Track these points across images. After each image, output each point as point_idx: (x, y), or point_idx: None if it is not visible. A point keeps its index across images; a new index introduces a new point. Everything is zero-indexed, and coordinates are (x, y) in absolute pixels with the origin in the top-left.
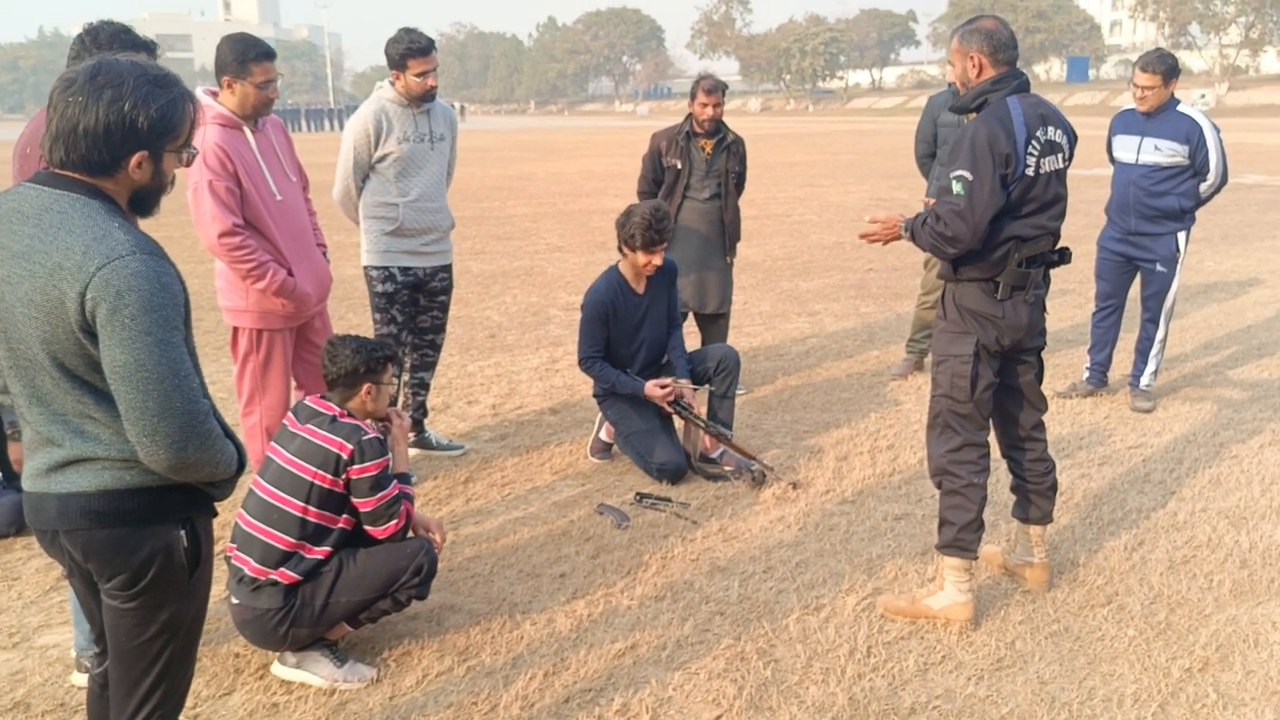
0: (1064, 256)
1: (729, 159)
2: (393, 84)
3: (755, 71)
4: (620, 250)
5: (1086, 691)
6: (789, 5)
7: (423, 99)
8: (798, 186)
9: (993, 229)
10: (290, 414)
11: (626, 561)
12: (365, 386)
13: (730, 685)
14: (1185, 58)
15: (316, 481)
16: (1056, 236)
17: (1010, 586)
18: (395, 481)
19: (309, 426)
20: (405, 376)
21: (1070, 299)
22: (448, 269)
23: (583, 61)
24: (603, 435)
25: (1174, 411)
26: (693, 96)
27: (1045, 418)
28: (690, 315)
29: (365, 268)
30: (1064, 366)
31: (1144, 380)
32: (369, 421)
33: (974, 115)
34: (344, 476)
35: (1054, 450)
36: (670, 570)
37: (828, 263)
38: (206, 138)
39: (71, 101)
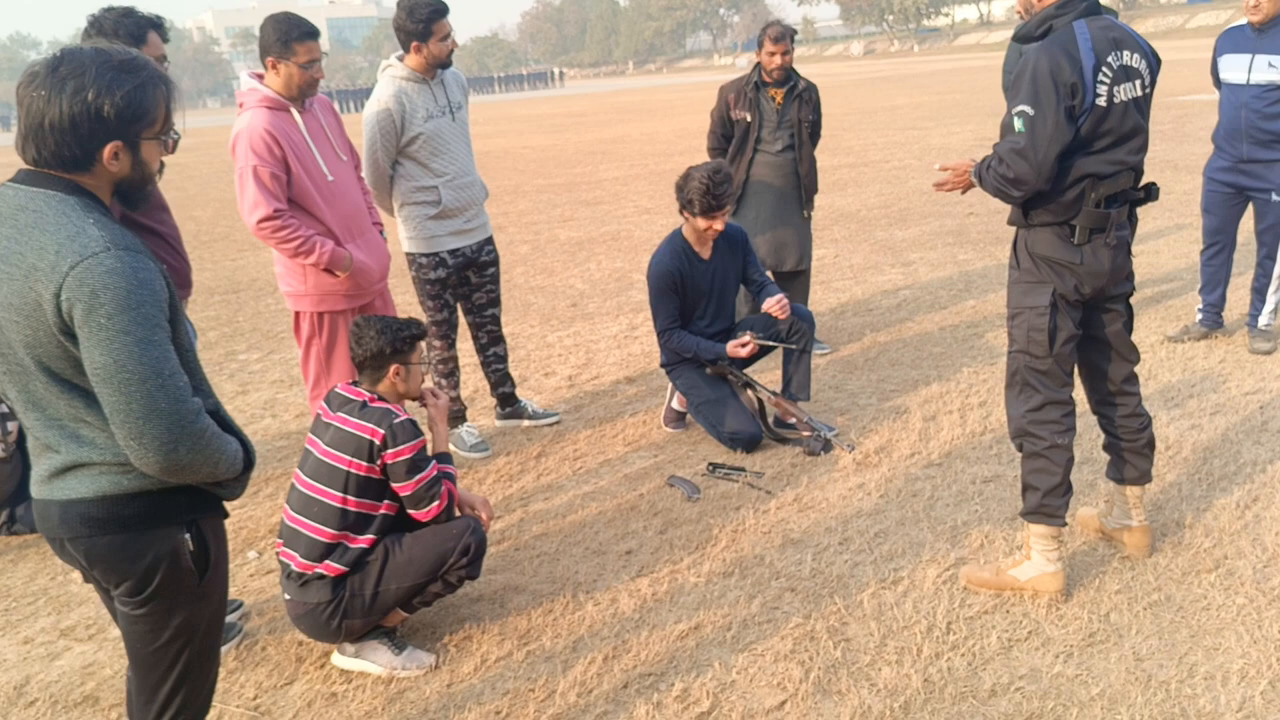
0: (1149, 193)
1: (801, 108)
2: (401, 60)
3: (856, 14)
4: (681, 213)
5: (1187, 668)
6: None
7: (443, 65)
8: (898, 130)
9: (1064, 167)
10: (323, 403)
11: (695, 536)
12: (393, 367)
13: (797, 668)
14: None
15: (353, 470)
16: (1139, 172)
17: (1107, 552)
18: (434, 462)
19: (340, 415)
20: (477, 357)
21: (1185, 234)
22: (490, 240)
23: (679, 17)
24: (675, 404)
25: None
26: (759, 45)
27: (1155, 364)
28: (769, 274)
29: (411, 255)
30: (1176, 308)
31: (1263, 320)
32: (403, 404)
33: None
34: (379, 462)
35: (1163, 399)
36: (740, 544)
37: (926, 209)
38: (254, 122)
39: (35, 96)
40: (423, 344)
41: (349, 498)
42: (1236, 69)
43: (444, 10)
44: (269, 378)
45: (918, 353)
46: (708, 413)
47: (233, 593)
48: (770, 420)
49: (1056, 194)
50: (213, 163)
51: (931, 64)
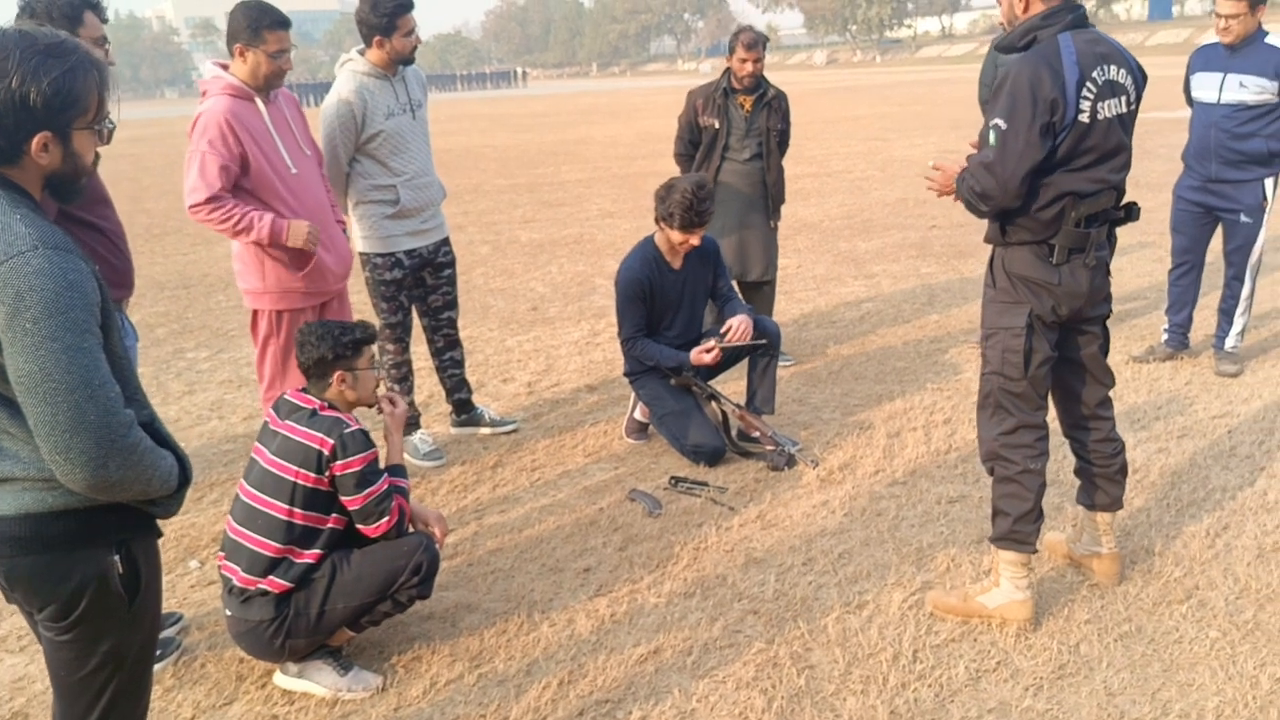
0: (1130, 213)
1: (770, 116)
2: (362, 54)
3: (820, 23)
4: (657, 223)
5: (1161, 705)
6: None
7: (406, 61)
8: (861, 141)
9: (1044, 184)
10: (271, 410)
11: (656, 554)
12: (337, 374)
13: (760, 696)
14: None
15: (299, 481)
16: (1121, 191)
17: (1076, 579)
18: (386, 475)
19: (289, 423)
20: (432, 361)
21: (1149, 253)
22: (447, 241)
23: (644, 21)
24: (637, 415)
25: (1263, 375)
26: (731, 51)
27: (1120, 385)
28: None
29: (365, 255)
30: (1141, 328)
31: (1229, 342)
32: (354, 414)
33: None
34: (328, 473)
35: (1129, 421)
36: (702, 563)
37: (889, 221)
38: (215, 107)
39: None
40: (371, 348)
41: (295, 510)
42: (1208, 87)
43: (409, 5)
44: (217, 377)
45: (881, 367)
46: (671, 424)
47: (172, 604)
48: (734, 433)
49: (1036, 212)
50: (168, 154)
51: (893, 75)
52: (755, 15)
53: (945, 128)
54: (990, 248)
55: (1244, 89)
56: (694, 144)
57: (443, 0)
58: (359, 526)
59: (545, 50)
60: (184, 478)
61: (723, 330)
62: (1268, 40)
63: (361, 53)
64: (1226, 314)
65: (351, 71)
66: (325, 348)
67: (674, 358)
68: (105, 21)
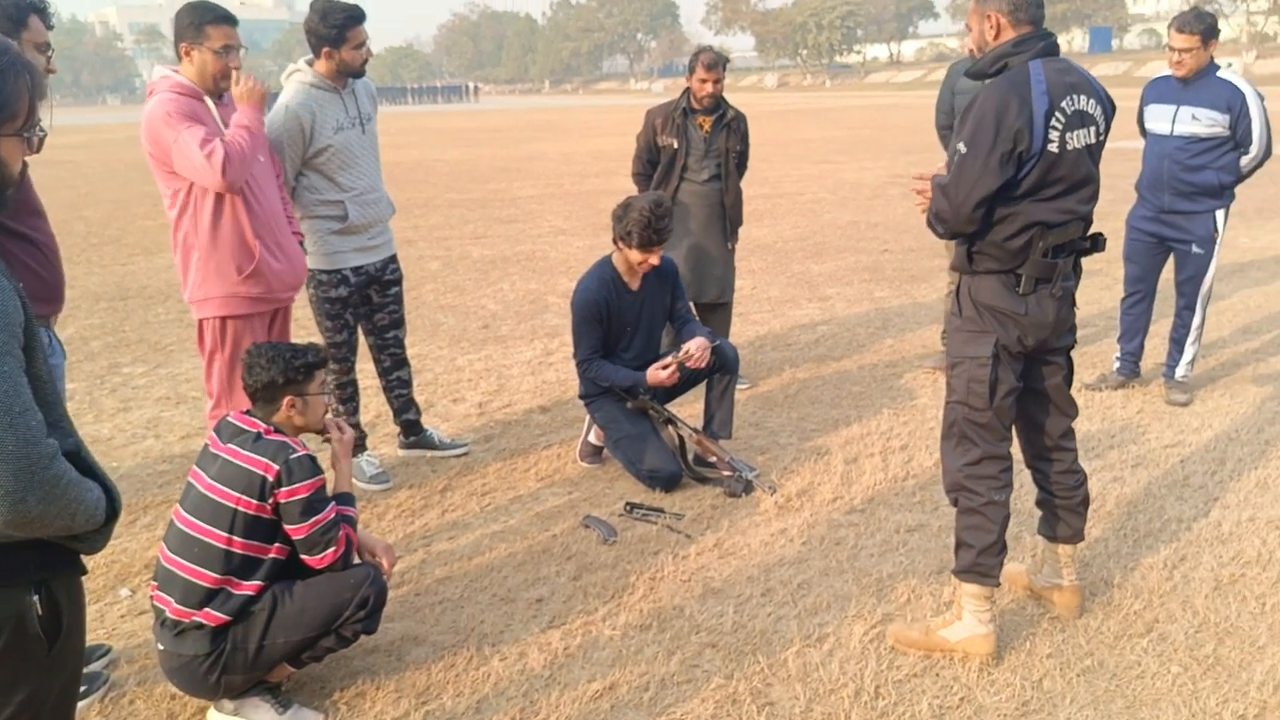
0: (1096, 243)
1: (729, 137)
2: (310, 65)
3: (771, 47)
4: (615, 243)
5: None
6: None
7: (355, 74)
8: (812, 164)
9: (1012, 214)
10: (213, 432)
11: (611, 584)
12: (287, 399)
13: None
14: None
15: (241, 508)
16: (1088, 222)
17: (1037, 612)
18: (333, 503)
19: (231, 446)
20: (381, 383)
21: (1099, 280)
22: (395, 259)
23: (597, 40)
24: (592, 438)
25: (1213, 405)
26: (691, 71)
27: (1077, 407)
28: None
29: (311, 272)
30: (1092, 355)
31: (1180, 371)
32: (301, 438)
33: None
34: (271, 500)
35: (1084, 449)
36: (659, 594)
37: (841, 244)
38: (165, 98)
39: None
40: (322, 373)
41: (235, 538)
42: (1161, 119)
43: (360, 17)
44: (154, 394)
45: (837, 391)
46: (626, 448)
47: (101, 635)
48: (690, 458)
49: (1004, 241)
50: (108, 161)
51: (843, 99)
52: (708, 37)
53: (895, 152)
54: (955, 275)
55: (1196, 121)
56: (652, 163)
57: (394, 13)
58: (303, 557)
59: (497, 65)
60: (112, 510)
61: (680, 352)
62: (1219, 74)
63: (310, 64)
64: (1177, 343)
65: (299, 83)
66: (276, 371)
67: (630, 377)
68: (50, 28)
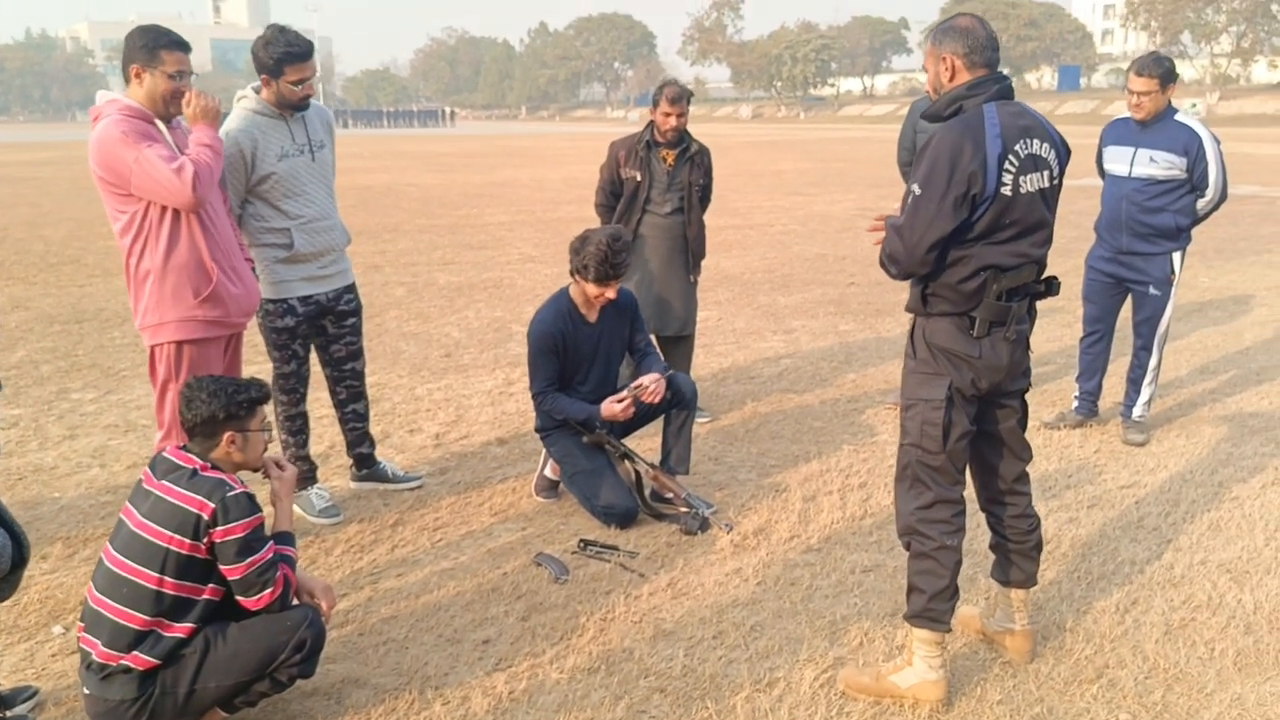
0: (1051, 287)
1: (692, 171)
2: (258, 91)
3: (746, 78)
4: (572, 275)
5: None
6: (781, 12)
7: (295, 108)
8: (784, 195)
9: (966, 257)
10: (147, 468)
11: (560, 625)
12: (227, 435)
13: None
14: (1177, 66)
15: (173, 547)
16: (1042, 265)
17: (989, 656)
18: (271, 543)
19: (164, 483)
20: (336, 414)
21: (1058, 318)
22: (352, 289)
23: (574, 67)
24: (548, 472)
25: (1169, 445)
26: (655, 104)
27: (1031, 451)
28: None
29: (260, 300)
30: (1051, 394)
31: (1136, 411)
32: (239, 475)
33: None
34: (206, 540)
35: (1041, 489)
36: (609, 635)
37: (808, 276)
38: (117, 119)
39: None
40: (265, 409)
41: (166, 579)
42: (1120, 160)
43: (301, 55)
44: (103, 421)
45: (798, 426)
46: (582, 483)
47: (30, 676)
48: (647, 494)
49: (957, 284)
50: (74, 178)
51: (816, 131)
52: (684, 67)
53: (865, 186)
54: (911, 315)
55: (1154, 164)
56: (615, 195)
57: (371, 36)
58: (239, 598)
59: (474, 91)
60: (19, 557)
61: (634, 384)
62: (1177, 117)
63: (257, 90)
64: (1134, 383)
65: (243, 109)
66: (217, 405)
67: (585, 410)
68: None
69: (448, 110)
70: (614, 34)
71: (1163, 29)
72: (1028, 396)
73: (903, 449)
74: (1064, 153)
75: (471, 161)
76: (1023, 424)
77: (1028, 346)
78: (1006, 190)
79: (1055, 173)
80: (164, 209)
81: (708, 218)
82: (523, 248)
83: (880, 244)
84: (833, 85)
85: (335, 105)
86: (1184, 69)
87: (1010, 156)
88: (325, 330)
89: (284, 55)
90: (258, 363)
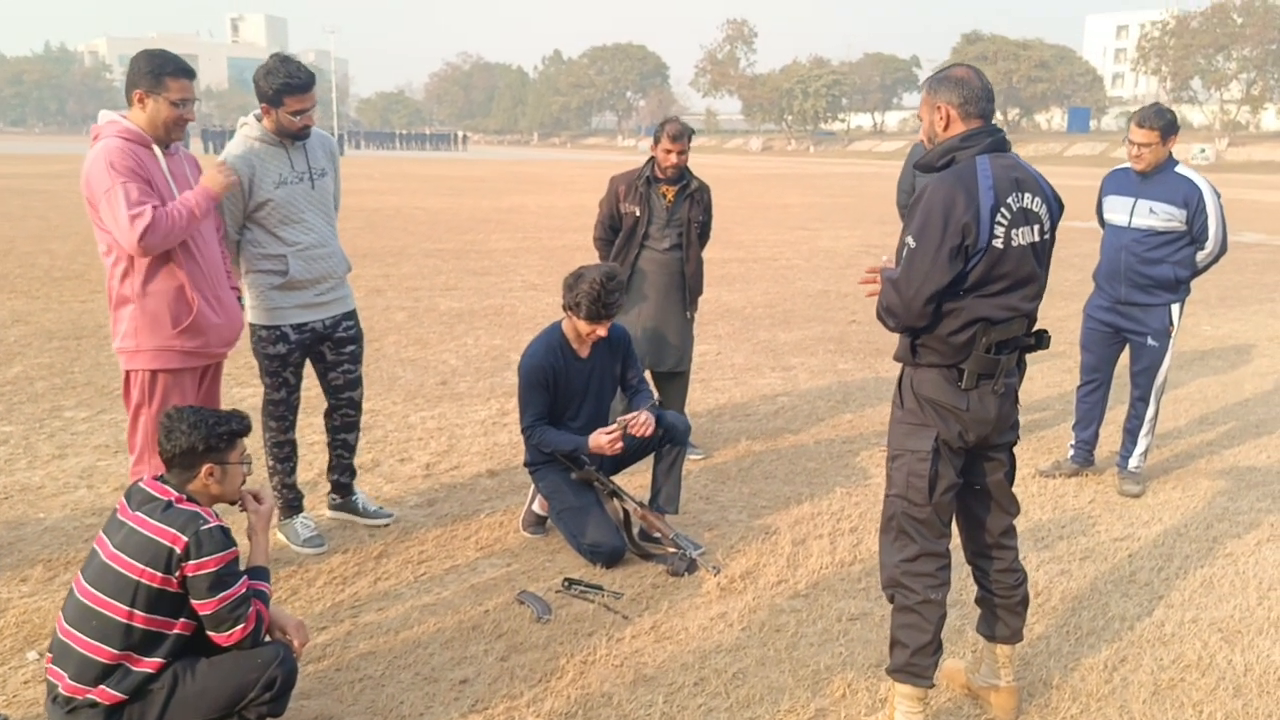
0: (1041, 340)
1: (692, 207)
2: (259, 119)
3: (757, 111)
4: (565, 311)
5: None
6: (793, 47)
7: (294, 137)
8: (789, 229)
9: (955, 309)
10: (122, 498)
11: (540, 666)
12: (206, 467)
13: None
14: (1186, 112)
15: (144, 580)
16: (1032, 319)
17: (973, 711)
18: (244, 578)
19: (139, 515)
20: (327, 438)
21: (1057, 363)
22: (351, 316)
23: (586, 95)
24: (536, 507)
25: (1164, 497)
26: (656, 140)
27: (1026, 500)
28: (647, 373)
29: (252, 326)
30: (1048, 440)
31: (1132, 462)
32: (214, 509)
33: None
34: (178, 574)
35: (1034, 540)
36: (588, 679)
37: (810, 312)
38: (110, 145)
39: None
40: (243, 441)
41: (136, 613)
42: (1120, 210)
43: (300, 87)
44: (93, 441)
45: (792, 467)
46: (569, 520)
47: (0, 703)
48: (635, 532)
49: (947, 336)
50: None
51: (825, 166)
52: (696, 98)
53: (871, 222)
54: (900, 364)
55: (1154, 215)
56: (614, 230)
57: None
58: (210, 633)
59: (487, 116)
60: None
61: (623, 418)
62: (1178, 169)
63: (259, 118)
64: (1131, 434)
65: (244, 136)
66: (197, 437)
67: (573, 441)
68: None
69: (460, 134)
70: (627, 64)
71: (1173, 74)
72: (1019, 446)
73: (888, 500)
74: (1057, 208)
75: (481, 186)
76: (1010, 477)
77: (1016, 400)
78: (998, 243)
79: (1047, 227)
80: None
81: (712, 250)
82: (526, 275)
83: (875, 295)
84: (843, 120)
85: (349, 126)
86: (1193, 115)
87: (1003, 209)
88: (324, 357)
89: (283, 86)
90: (252, 385)
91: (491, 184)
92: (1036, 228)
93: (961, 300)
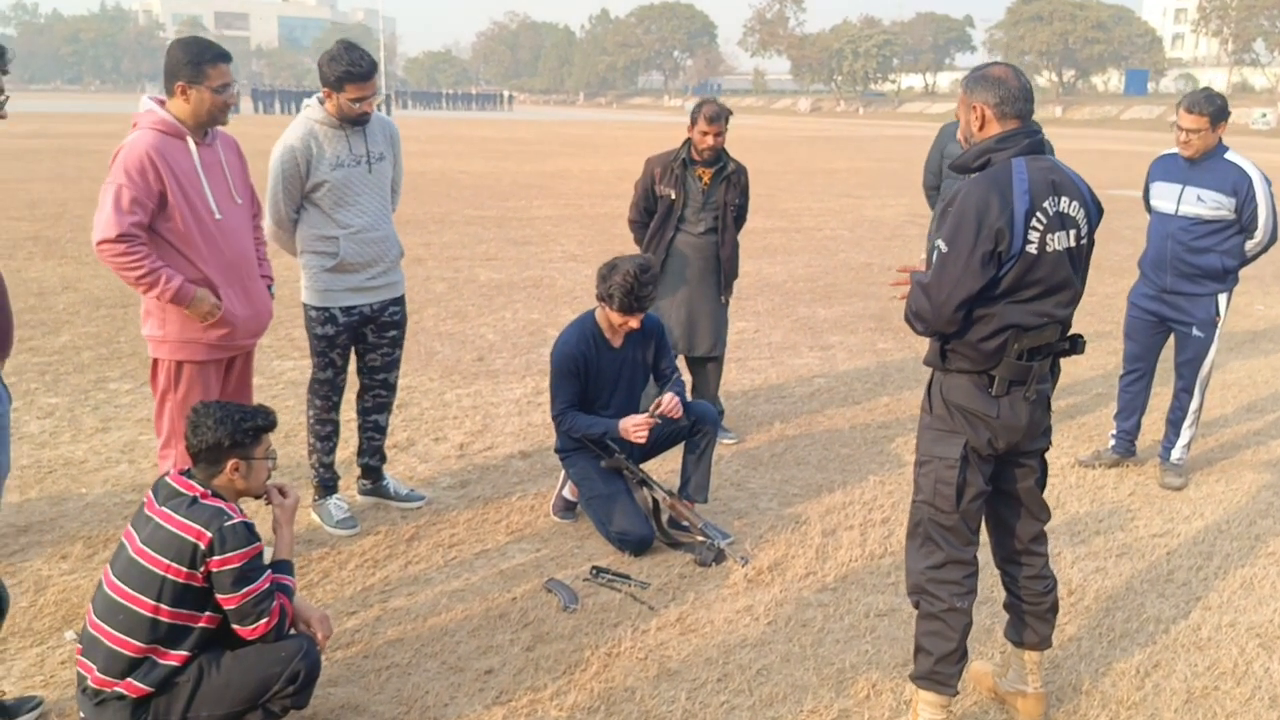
0: (1075, 345)
1: (728, 190)
2: (322, 102)
3: (806, 71)
4: (598, 301)
5: None
6: (843, 6)
7: (354, 122)
8: (834, 197)
9: (986, 315)
10: (149, 492)
11: (565, 658)
12: (231, 462)
13: None
14: (1248, 74)
15: (170, 575)
16: (1066, 325)
17: (999, 716)
18: (268, 573)
19: (165, 510)
20: (358, 420)
21: (1105, 344)
22: (399, 301)
23: (633, 55)
24: (566, 493)
25: (1206, 491)
26: (693, 122)
27: (1064, 491)
28: (680, 357)
29: (304, 306)
30: (1089, 428)
31: (1175, 453)
32: (238, 504)
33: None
34: (203, 569)
35: (1070, 534)
36: (612, 672)
37: (851, 287)
38: (139, 141)
39: None
40: (268, 436)
41: (162, 607)
42: (1166, 198)
43: (361, 76)
44: (136, 414)
45: (825, 453)
46: (597, 508)
47: (39, 683)
48: (664, 520)
49: (978, 342)
50: None
51: (875, 128)
52: (744, 58)
53: (918, 190)
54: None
55: (1201, 203)
56: (649, 212)
57: (434, 17)
58: (234, 627)
59: (534, 76)
60: None
61: (654, 404)
62: (1227, 156)
63: (321, 101)
64: (1174, 425)
65: (305, 118)
66: (223, 433)
67: (603, 425)
68: (6, 73)
69: (506, 94)
70: (675, 23)
71: (1235, 36)
72: (1058, 433)
73: (915, 505)
74: (1095, 212)
75: (525, 149)
76: (1041, 484)
77: (1048, 406)
78: (1032, 248)
79: (1084, 232)
80: (170, 225)
81: (754, 220)
82: (567, 245)
83: (905, 299)
84: (894, 81)
85: (396, 86)
86: (1255, 77)
87: (1038, 213)
88: (365, 338)
89: (345, 74)
90: (291, 358)
91: (536, 147)
92: (1073, 233)
93: (993, 306)
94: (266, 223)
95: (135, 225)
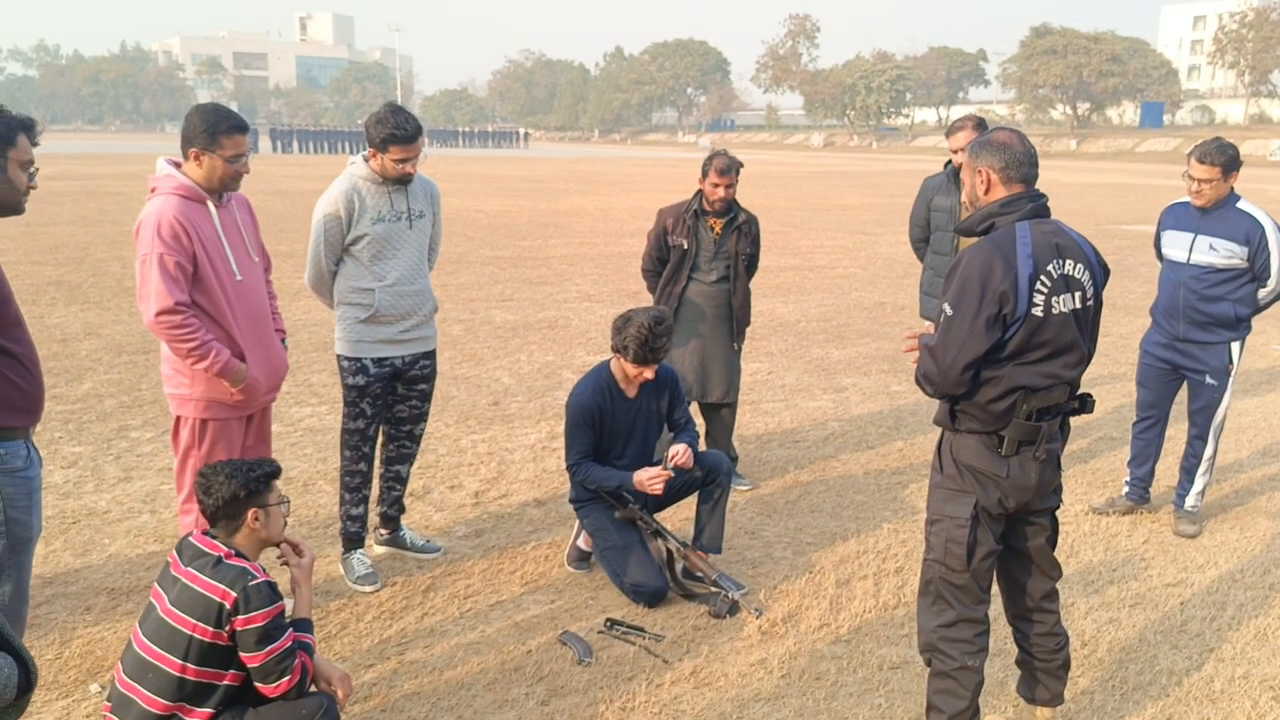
0: (1084, 405)
1: (740, 240)
2: (367, 160)
3: (819, 107)
4: (613, 352)
5: None
6: (856, 42)
7: (395, 182)
8: (847, 234)
9: (995, 377)
10: (174, 552)
11: (579, 713)
12: (251, 512)
13: None
14: (1265, 106)
15: (196, 635)
16: (1075, 386)
17: None
18: (290, 631)
19: (190, 570)
20: (380, 469)
21: (1119, 386)
22: (430, 355)
23: (647, 92)
24: (581, 543)
25: (1220, 539)
26: (704, 174)
27: (1078, 539)
28: (693, 404)
29: (338, 356)
30: (1103, 473)
31: (1189, 501)
32: (259, 564)
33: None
34: (228, 628)
35: (1083, 583)
36: None
37: (865, 327)
38: (164, 207)
39: None
40: (277, 483)
41: (189, 666)
42: (1178, 246)
43: (405, 139)
44: (158, 463)
45: (839, 499)
46: (612, 559)
47: None
48: (679, 571)
49: (987, 404)
50: None
51: (888, 162)
52: (757, 94)
53: None
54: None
55: (1213, 251)
56: (662, 261)
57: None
58: (257, 685)
59: (549, 113)
60: (25, 683)
61: (668, 455)
62: (1239, 205)
63: (366, 159)
64: (1188, 472)
65: (349, 174)
66: (237, 484)
67: (618, 477)
68: (35, 144)
69: (522, 131)
70: (688, 60)
71: (1251, 67)
72: (1072, 478)
73: (926, 564)
74: (1101, 273)
75: (541, 187)
76: (1052, 541)
77: (1058, 465)
78: (1038, 311)
79: (1090, 294)
80: (200, 288)
81: (767, 258)
82: (582, 285)
83: (916, 363)
84: (906, 116)
85: None
86: (1273, 109)
87: (1042, 277)
88: (394, 389)
89: (390, 136)
90: (309, 405)
91: (551, 185)
92: (1078, 294)
93: (1001, 368)
94: (307, 275)
95: (185, 294)
